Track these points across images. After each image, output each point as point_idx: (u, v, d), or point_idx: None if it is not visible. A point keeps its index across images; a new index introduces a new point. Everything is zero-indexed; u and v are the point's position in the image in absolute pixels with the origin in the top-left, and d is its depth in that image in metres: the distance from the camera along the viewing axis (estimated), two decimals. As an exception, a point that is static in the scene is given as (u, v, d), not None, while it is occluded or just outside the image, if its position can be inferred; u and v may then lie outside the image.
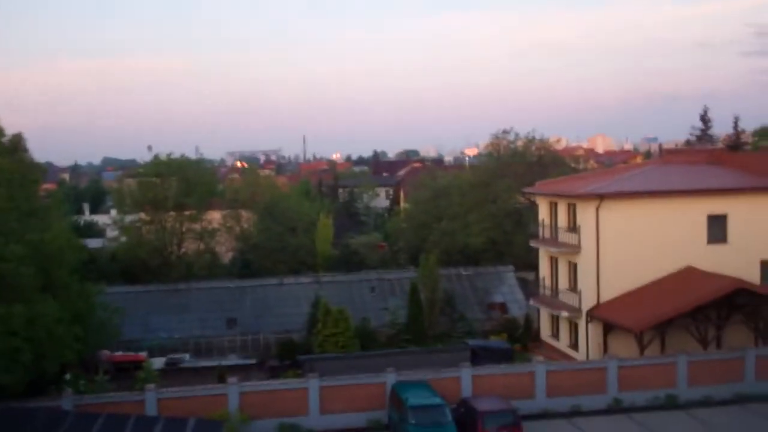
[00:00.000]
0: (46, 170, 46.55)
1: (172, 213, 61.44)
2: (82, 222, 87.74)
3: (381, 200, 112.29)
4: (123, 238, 61.91)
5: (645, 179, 46.00)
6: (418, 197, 73.84)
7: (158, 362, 44.33)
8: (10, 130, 37.70)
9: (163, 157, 66.40)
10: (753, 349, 37.69)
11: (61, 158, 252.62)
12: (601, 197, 42.71)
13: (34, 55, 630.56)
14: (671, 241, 42.74)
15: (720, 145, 78.27)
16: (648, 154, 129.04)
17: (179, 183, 62.77)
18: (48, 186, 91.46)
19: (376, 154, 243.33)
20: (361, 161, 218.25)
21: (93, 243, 65.29)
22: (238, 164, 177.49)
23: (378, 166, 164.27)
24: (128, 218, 62.53)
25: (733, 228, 43.47)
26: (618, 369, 36.29)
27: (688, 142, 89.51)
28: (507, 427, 30.89)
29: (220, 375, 40.78)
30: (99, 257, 58.28)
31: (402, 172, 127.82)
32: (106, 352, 44.27)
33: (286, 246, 64.99)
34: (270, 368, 44.44)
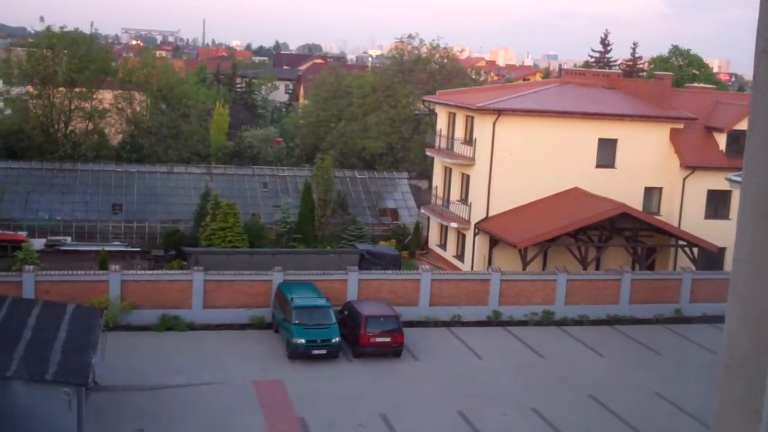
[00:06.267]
0: None
1: (61, 89, 59.32)
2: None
3: (280, 94, 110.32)
4: (8, 111, 59.77)
5: (543, 98, 46.53)
6: (318, 95, 72.84)
7: (38, 243, 43.01)
8: None
9: (56, 29, 63.43)
10: (629, 273, 39.19)
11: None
12: (499, 112, 43.06)
13: None
14: (562, 161, 43.68)
15: (617, 69, 79.76)
16: (547, 72, 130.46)
17: (71, 58, 60.29)
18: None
19: (277, 45, 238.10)
20: (261, 51, 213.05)
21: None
22: (134, 43, 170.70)
23: (279, 59, 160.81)
24: (15, 90, 60.02)
25: (621, 153, 44.71)
26: (500, 282, 37.22)
27: (587, 64, 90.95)
28: (389, 332, 31.47)
29: (102, 261, 39.88)
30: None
31: (303, 67, 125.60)
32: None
33: (178, 133, 63.38)
34: (154, 258, 43.72)
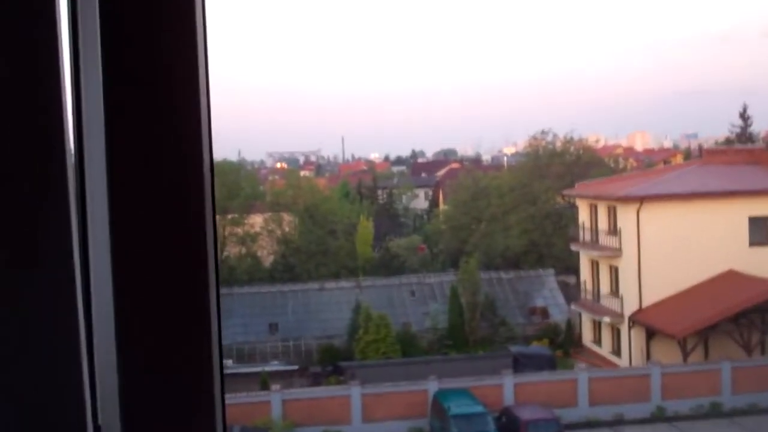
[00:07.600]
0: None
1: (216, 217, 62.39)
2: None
3: (420, 201, 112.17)
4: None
5: (685, 181, 45.66)
6: (457, 199, 73.83)
7: (202, 368, 44.77)
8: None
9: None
10: (799, 355, 37.23)
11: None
12: (642, 200, 42.51)
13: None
14: (713, 243, 42.38)
15: (760, 144, 77.24)
16: (688, 152, 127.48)
17: (221, 187, 63.68)
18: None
19: (414, 154, 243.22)
20: (399, 161, 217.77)
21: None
22: (279, 166, 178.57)
23: (416, 167, 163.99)
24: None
25: (776, 230, 43.07)
26: (661, 376, 36.11)
27: (728, 140, 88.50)
28: (549, 435, 30.98)
29: (263, 381, 41.22)
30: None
31: (441, 173, 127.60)
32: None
33: (327, 249, 65.37)
34: (312, 375, 44.80)
